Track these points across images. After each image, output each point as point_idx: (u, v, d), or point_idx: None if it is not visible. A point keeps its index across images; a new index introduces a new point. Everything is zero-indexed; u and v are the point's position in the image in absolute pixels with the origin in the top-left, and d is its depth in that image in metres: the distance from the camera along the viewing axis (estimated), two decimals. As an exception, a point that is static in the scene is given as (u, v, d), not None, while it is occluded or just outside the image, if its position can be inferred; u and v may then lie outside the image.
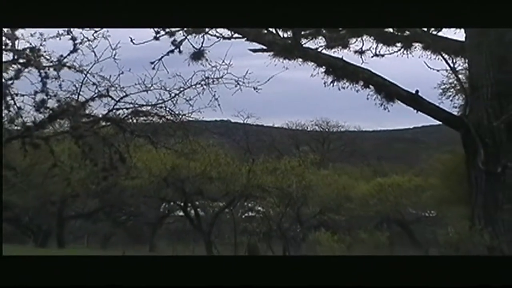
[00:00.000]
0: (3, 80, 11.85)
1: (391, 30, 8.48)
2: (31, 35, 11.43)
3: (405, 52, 8.38)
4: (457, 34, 8.20)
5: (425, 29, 8.46)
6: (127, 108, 13.02)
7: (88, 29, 10.54)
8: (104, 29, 9.75)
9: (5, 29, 11.37)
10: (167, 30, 8.60)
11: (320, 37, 8.25)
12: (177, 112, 13.25)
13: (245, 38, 8.15)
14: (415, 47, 8.29)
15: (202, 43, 8.72)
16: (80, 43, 11.03)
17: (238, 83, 11.29)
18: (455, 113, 8.70)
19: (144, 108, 13.07)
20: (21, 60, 11.80)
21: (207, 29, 8.51)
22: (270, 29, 8.19)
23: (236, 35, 8.36)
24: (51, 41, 11.27)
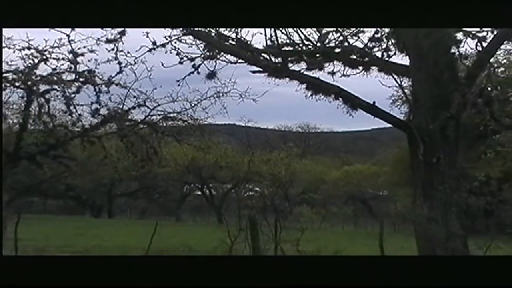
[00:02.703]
0: (68, 94, 11.86)
1: (354, 56, 8.45)
2: (88, 61, 11.42)
3: (365, 73, 8.41)
4: (403, 60, 8.22)
5: (380, 56, 8.44)
6: (159, 115, 13.02)
7: (129, 54, 10.30)
8: (142, 56, 9.54)
9: (69, 56, 11.35)
10: (189, 56, 8.57)
11: (302, 62, 8.25)
12: (196, 118, 13.25)
13: (247, 63, 8.15)
14: (373, 69, 8.31)
15: (215, 66, 8.68)
16: (125, 66, 10.95)
17: (241, 96, 11.25)
18: (402, 119, 8.73)
19: (171, 115, 13.08)
20: (81, 79, 11.79)
21: (218, 56, 8.48)
22: (265, 55, 8.17)
23: (240, 60, 8.35)
24: (103, 65, 11.24)
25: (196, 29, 8.07)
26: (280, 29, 7.96)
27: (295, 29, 8.05)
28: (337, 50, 8.41)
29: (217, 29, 8.14)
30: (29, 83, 12.03)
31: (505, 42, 7.97)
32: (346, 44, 8.32)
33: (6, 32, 11.25)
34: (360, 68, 8.41)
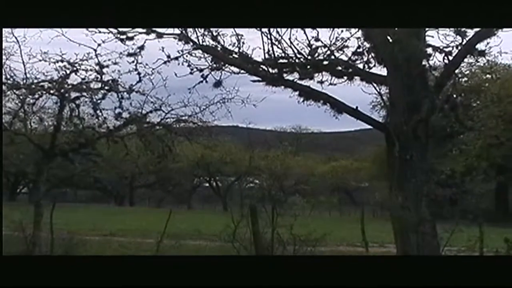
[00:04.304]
0: (95, 100, 11.87)
1: (340, 68, 8.45)
2: (112, 72, 11.43)
3: (349, 82, 8.40)
4: (381, 71, 8.22)
5: (361, 67, 8.44)
6: (172, 118, 13.03)
7: (147, 66, 10.13)
8: (158, 67, 9.45)
9: (96, 67, 11.34)
10: (198, 67, 8.58)
11: (295, 72, 8.27)
12: (204, 120, 13.28)
13: (248, 73, 8.17)
14: (355, 79, 8.32)
15: (221, 76, 8.69)
16: (143, 76, 10.93)
17: (243, 102, 11.28)
18: (381, 121, 8.69)
19: (183, 118, 13.09)
20: (106, 87, 11.80)
21: (223, 67, 8.49)
22: (263, 67, 8.18)
23: (242, 71, 8.36)
24: (125, 75, 11.24)
25: (205, 44, 8.11)
26: (276, 44, 7.99)
27: (289, 44, 8.07)
28: (325, 62, 8.42)
29: (223, 43, 8.17)
30: (62, 90, 12.07)
31: (468, 56, 7.98)
32: (332, 57, 8.34)
33: (43, 47, 11.26)
34: (345, 78, 8.42)
